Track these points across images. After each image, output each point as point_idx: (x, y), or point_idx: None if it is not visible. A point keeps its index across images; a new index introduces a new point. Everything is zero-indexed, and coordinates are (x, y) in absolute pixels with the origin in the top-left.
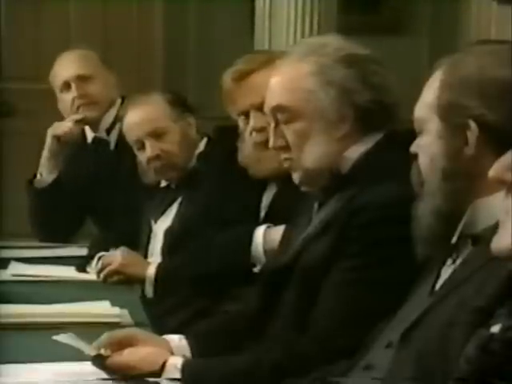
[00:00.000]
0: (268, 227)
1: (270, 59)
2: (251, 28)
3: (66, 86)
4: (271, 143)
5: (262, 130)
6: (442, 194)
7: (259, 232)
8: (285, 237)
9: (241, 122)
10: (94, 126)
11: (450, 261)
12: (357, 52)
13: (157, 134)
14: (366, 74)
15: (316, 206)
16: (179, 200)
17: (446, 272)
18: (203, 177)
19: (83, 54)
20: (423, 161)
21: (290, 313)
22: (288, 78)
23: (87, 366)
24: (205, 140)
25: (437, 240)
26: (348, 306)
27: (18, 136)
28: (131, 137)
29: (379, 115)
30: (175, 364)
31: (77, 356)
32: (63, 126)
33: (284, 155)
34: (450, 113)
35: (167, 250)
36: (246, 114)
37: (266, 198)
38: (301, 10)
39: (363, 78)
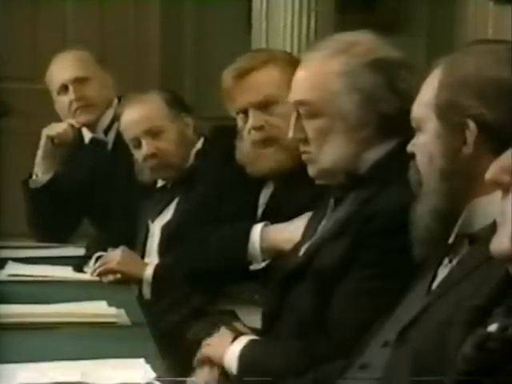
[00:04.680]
0: (265, 225)
1: (270, 58)
2: (248, 28)
3: (63, 88)
4: (291, 134)
5: (260, 128)
6: (439, 194)
7: (256, 230)
8: (306, 230)
9: (239, 120)
10: (92, 126)
11: (446, 260)
12: (388, 55)
13: (153, 133)
14: (394, 81)
15: (332, 202)
16: (176, 200)
17: (443, 271)
18: (200, 176)
19: (79, 56)
20: (421, 160)
21: (303, 313)
22: (314, 74)
23: (87, 366)
24: (201, 140)
25: (435, 240)
26: (363, 315)
27: (15, 136)
28: (128, 135)
29: (401, 120)
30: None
31: (76, 356)
32: (57, 128)
33: (302, 148)
34: (448, 112)
35: (164, 245)
36: (245, 112)
37: (264, 196)
38: (298, 11)
39: (391, 85)
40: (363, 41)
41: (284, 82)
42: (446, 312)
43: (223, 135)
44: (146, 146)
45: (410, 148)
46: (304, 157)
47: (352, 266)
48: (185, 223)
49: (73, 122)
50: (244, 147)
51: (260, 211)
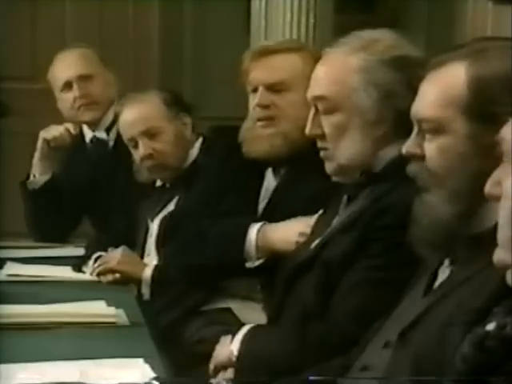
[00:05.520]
0: (263, 224)
1: (298, 47)
2: (247, 28)
3: (67, 85)
4: (308, 130)
5: (265, 107)
6: (469, 196)
7: (253, 229)
8: (317, 225)
9: (251, 99)
10: (94, 125)
11: (447, 261)
12: (408, 54)
13: (150, 134)
14: (412, 79)
15: (345, 198)
16: (175, 200)
17: (444, 272)
18: (199, 175)
19: (83, 53)
20: (440, 162)
21: (307, 304)
22: (334, 70)
23: (86, 366)
24: (200, 139)
25: (449, 240)
26: (365, 303)
27: (14, 136)
28: (125, 135)
29: None
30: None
31: (75, 356)
32: (54, 131)
33: (319, 144)
34: (484, 111)
35: (162, 238)
36: (257, 91)
37: (265, 194)
38: (297, 10)
39: (409, 83)
40: (383, 38)
41: (303, 74)
42: (447, 313)
43: (223, 135)
44: (143, 147)
45: (412, 150)
46: (321, 154)
47: (358, 257)
48: (183, 218)
49: (70, 126)
50: (246, 124)
51: (261, 207)
